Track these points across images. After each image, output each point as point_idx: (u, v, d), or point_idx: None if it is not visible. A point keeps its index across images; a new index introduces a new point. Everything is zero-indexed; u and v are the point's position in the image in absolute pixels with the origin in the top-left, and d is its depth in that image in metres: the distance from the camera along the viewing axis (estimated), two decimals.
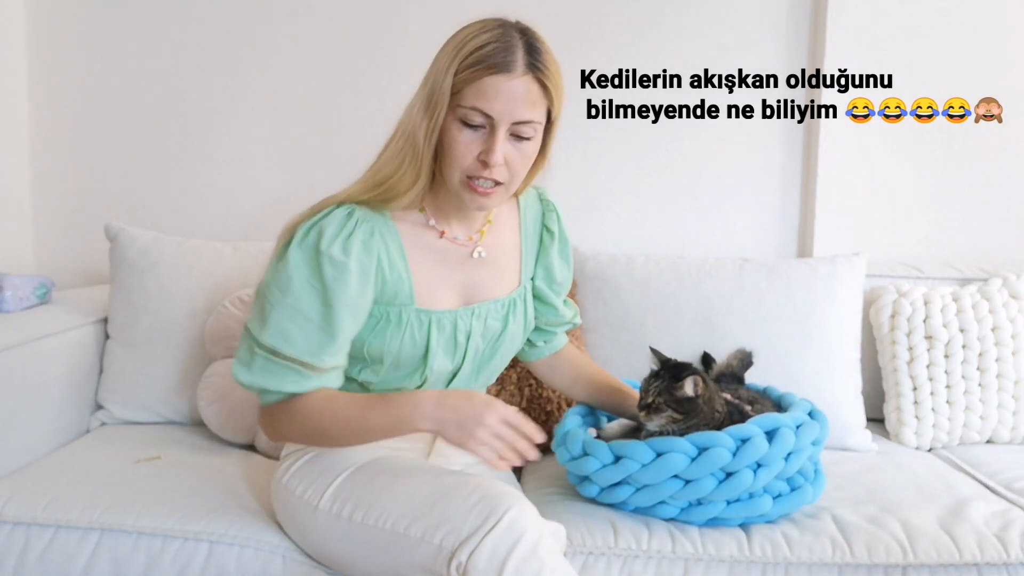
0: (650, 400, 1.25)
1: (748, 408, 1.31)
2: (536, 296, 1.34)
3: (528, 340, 1.40)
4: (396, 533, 1.07)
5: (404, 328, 1.17)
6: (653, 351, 1.32)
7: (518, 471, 1.55)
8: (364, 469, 1.16)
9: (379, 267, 1.15)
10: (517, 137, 1.11)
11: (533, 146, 1.14)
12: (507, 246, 1.29)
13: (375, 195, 1.14)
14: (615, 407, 1.40)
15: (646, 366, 1.33)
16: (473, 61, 1.08)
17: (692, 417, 1.23)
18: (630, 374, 1.48)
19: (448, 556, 1.02)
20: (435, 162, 1.14)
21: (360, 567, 1.13)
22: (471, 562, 0.99)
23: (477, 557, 0.99)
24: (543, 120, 1.13)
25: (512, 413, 1.09)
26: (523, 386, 1.61)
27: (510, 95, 1.08)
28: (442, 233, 1.21)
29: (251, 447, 1.60)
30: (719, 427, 1.23)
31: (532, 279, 1.33)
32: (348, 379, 1.24)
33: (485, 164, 1.10)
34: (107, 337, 1.73)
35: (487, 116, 1.09)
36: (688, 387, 1.23)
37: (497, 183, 1.12)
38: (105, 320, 1.74)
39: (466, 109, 1.09)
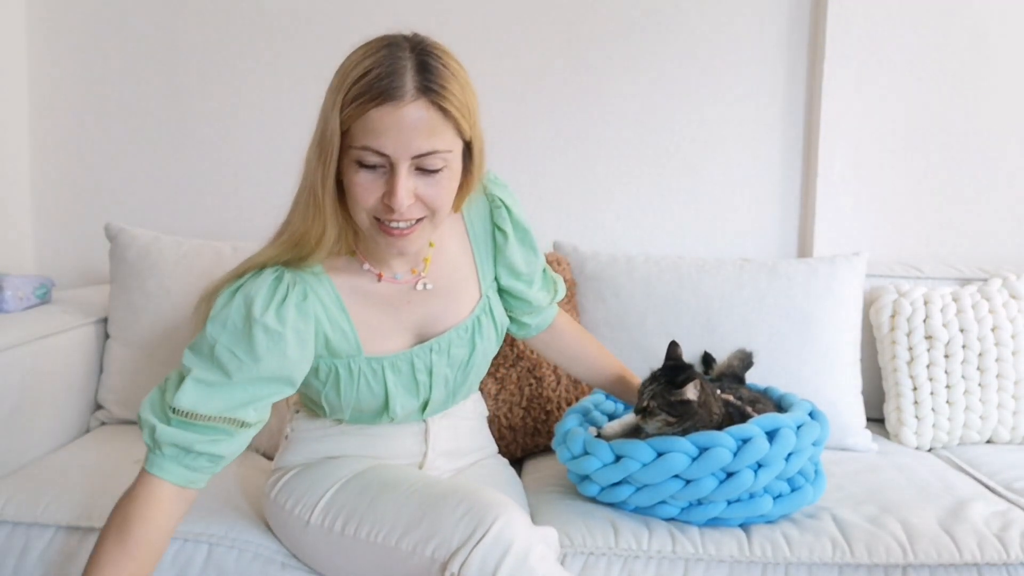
0: (645, 404, 1.25)
1: (749, 409, 1.31)
2: (506, 292, 1.28)
3: (512, 330, 1.36)
4: (388, 546, 1.06)
5: (357, 378, 1.13)
6: (673, 345, 1.31)
7: (519, 470, 1.55)
8: (353, 481, 1.15)
9: (318, 329, 1.09)
10: (424, 171, 0.99)
11: (448, 175, 1.01)
12: (458, 263, 1.20)
13: (293, 255, 1.06)
14: (616, 393, 1.41)
15: (646, 366, 1.33)
16: (356, 93, 0.96)
17: (686, 420, 1.23)
18: None
19: (440, 568, 1.01)
20: (343, 206, 1.04)
21: None
22: (462, 574, 0.98)
23: (467, 568, 0.98)
24: (453, 147, 1.00)
25: None
26: (523, 386, 1.61)
27: (401, 127, 0.95)
28: (379, 276, 1.13)
29: (251, 447, 1.59)
30: (718, 428, 1.23)
31: (497, 279, 1.26)
32: (320, 418, 1.23)
33: (390, 208, 0.99)
34: (107, 337, 1.73)
35: (381, 155, 0.97)
36: (690, 391, 1.22)
37: (417, 219, 1.02)
38: (105, 320, 1.74)
39: (358, 150, 0.97)
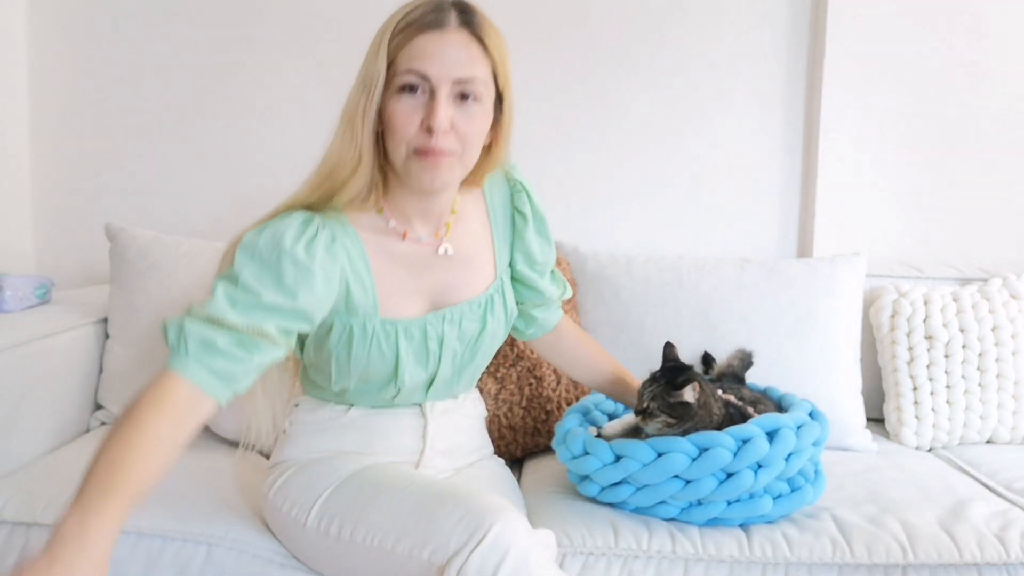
0: (645, 405, 1.25)
1: (750, 409, 1.31)
2: (520, 280, 1.29)
3: (523, 327, 1.37)
4: (384, 550, 1.05)
5: (370, 340, 1.13)
6: (668, 347, 1.32)
7: (519, 470, 1.55)
8: (348, 483, 1.14)
9: (343, 275, 1.10)
10: (462, 98, 1.05)
11: (480, 110, 1.07)
12: (477, 239, 1.23)
13: (323, 191, 1.08)
14: (616, 396, 1.41)
15: (646, 366, 1.33)
16: (403, 26, 1.04)
17: (686, 421, 1.23)
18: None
19: (437, 572, 1.01)
20: (380, 149, 1.09)
21: None
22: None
23: (465, 572, 0.97)
24: (488, 80, 1.07)
25: None
26: (523, 385, 1.61)
27: (445, 51, 1.03)
28: (404, 235, 1.15)
29: (250, 447, 1.59)
30: (718, 429, 1.23)
31: (512, 265, 1.28)
32: (320, 388, 1.23)
33: (431, 130, 1.03)
34: (107, 337, 1.73)
35: (424, 77, 1.03)
36: (688, 393, 1.22)
37: (448, 153, 1.06)
38: (105, 320, 1.74)
39: (402, 74, 1.03)
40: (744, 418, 1.26)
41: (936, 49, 1.92)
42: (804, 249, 2.01)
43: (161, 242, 1.74)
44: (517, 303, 1.31)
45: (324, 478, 1.16)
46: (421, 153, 1.05)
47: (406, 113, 1.04)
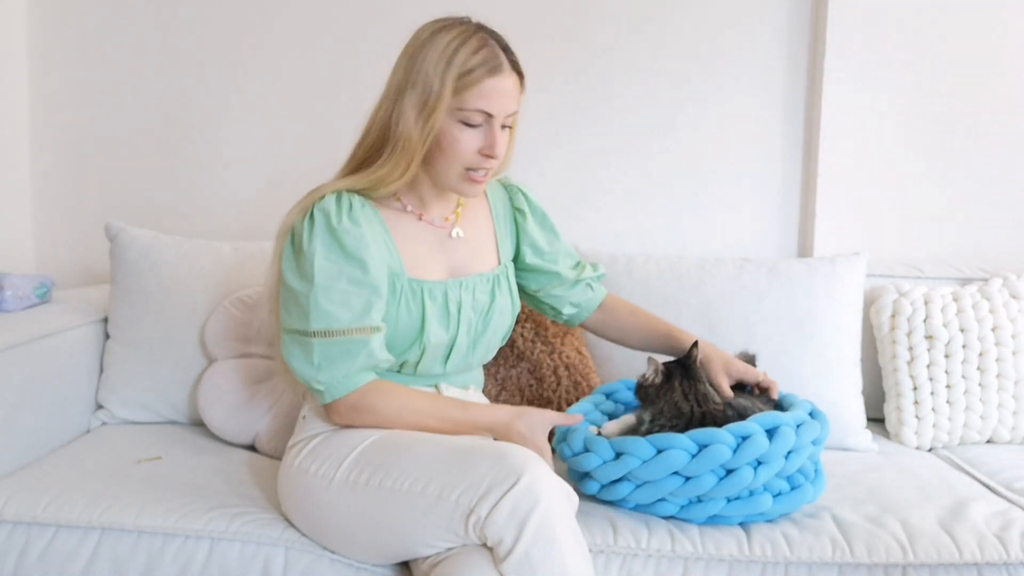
0: None
1: (749, 405, 1.31)
2: (533, 269, 1.43)
3: (557, 308, 1.47)
4: (413, 493, 1.09)
5: (399, 297, 1.24)
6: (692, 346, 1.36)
7: None
8: (382, 439, 1.18)
9: (374, 236, 1.23)
10: (505, 127, 1.24)
11: (513, 133, 1.28)
12: (481, 230, 1.38)
13: (364, 186, 1.23)
14: (672, 352, 1.43)
15: (645, 366, 1.34)
16: (471, 68, 1.18)
17: (648, 406, 1.30)
18: (630, 374, 1.49)
19: (465, 513, 1.04)
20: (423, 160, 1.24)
21: (371, 537, 1.14)
22: (490, 517, 1.02)
23: (497, 513, 1.01)
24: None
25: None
26: (523, 387, 1.61)
27: (504, 93, 1.20)
28: (420, 216, 1.30)
29: (251, 447, 1.60)
30: (701, 426, 1.24)
31: (522, 258, 1.43)
32: None
33: (489, 156, 1.21)
34: (107, 337, 1.73)
35: (488, 115, 1.20)
36: (648, 371, 1.31)
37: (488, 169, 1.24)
38: (105, 320, 1.74)
39: (469, 111, 1.19)
40: (742, 415, 1.26)
41: (937, 49, 1.92)
42: (804, 249, 2.01)
43: (161, 242, 1.74)
44: (537, 289, 1.46)
45: (356, 436, 1.20)
46: (473, 177, 1.23)
47: (468, 142, 1.21)
